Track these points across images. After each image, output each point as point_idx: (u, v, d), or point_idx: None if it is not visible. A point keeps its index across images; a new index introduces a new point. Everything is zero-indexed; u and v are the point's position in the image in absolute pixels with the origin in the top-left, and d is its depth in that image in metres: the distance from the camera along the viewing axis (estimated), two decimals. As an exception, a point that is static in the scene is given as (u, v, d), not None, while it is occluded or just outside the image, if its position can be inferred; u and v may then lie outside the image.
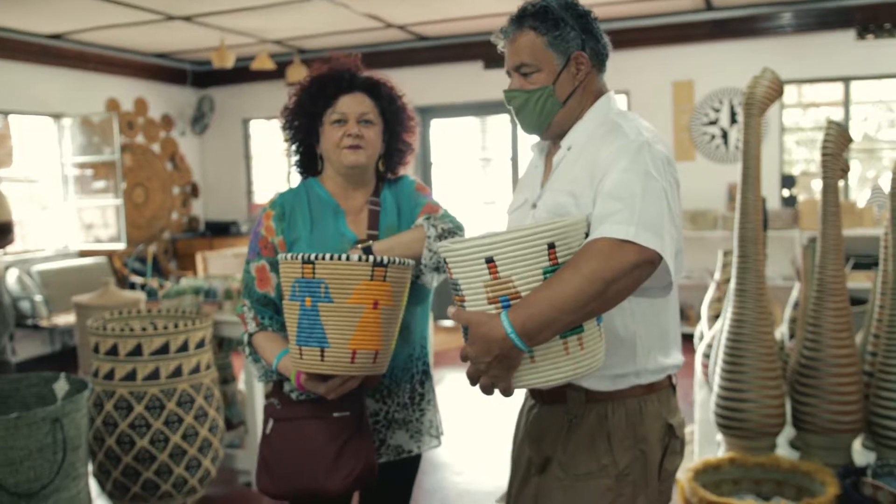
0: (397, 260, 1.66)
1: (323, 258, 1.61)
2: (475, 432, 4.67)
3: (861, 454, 2.67)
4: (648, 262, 1.42)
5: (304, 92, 1.99)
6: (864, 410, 2.53)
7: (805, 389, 2.56)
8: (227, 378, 4.04)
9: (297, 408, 1.91)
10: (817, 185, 7.15)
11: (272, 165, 9.15)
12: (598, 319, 1.48)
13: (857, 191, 7.11)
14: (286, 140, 2.06)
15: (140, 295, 3.97)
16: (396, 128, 2.04)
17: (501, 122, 8.08)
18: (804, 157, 7.17)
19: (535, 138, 1.84)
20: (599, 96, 1.74)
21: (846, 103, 6.79)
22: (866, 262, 5.63)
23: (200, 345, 3.26)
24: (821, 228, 2.52)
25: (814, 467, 2.31)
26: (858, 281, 5.64)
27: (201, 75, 8.94)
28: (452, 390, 5.57)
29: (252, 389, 3.62)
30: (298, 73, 7.58)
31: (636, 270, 1.41)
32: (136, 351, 3.16)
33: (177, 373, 3.18)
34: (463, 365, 1.46)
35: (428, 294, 2.05)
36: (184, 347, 3.19)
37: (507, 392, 1.46)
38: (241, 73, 8.16)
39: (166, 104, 8.72)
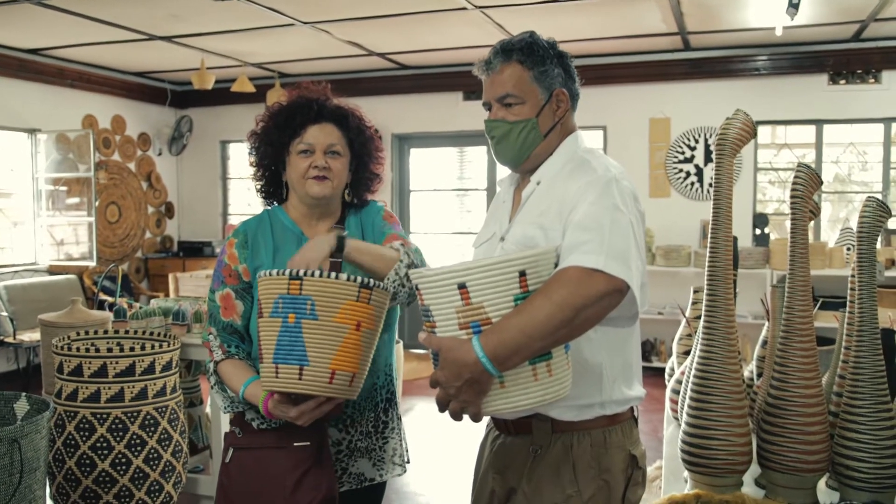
0: (381, 284, 1.68)
1: (311, 275, 1.61)
2: (443, 462, 4.64)
3: (825, 494, 2.69)
4: (617, 291, 1.46)
5: (272, 120, 1.98)
6: (829, 450, 2.55)
7: (771, 428, 2.57)
8: (193, 401, 3.99)
9: (257, 437, 1.88)
10: (790, 224, 7.26)
11: (249, 188, 9.12)
12: (566, 347, 1.50)
13: (828, 231, 7.22)
14: (252, 165, 2.05)
15: (108, 315, 3.91)
16: (364, 158, 2.04)
17: (478, 154, 8.13)
18: (777, 197, 7.29)
19: (505, 173, 1.86)
20: (569, 134, 1.79)
21: (818, 145, 6.92)
22: (835, 303, 5.71)
23: (167, 367, 3.21)
24: (789, 269, 2.55)
25: (778, 506, 2.31)
26: (826, 321, 5.71)
27: (180, 95, 8.92)
28: (422, 419, 5.54)
29: (218, 414, 3.57)
30: (278, 96, 7.58)
31: (605, 298, 1.45)
32: (101, 372, 3.10)
33: (142, 395, 3.12)
34: (433, 394, 1.46)
35: (394, 321, 2.04)
36: (150, 370, 3.14)
37: (476, 418, 1.47)
38: (221, 95, 8.15)
39: (144, 123, 8.68)
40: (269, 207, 2.07)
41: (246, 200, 9.18)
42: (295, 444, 1.82)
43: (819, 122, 6.89)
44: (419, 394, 6.21)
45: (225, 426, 3.60)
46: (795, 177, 2.53)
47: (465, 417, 1.47)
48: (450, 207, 8.37)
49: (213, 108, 8.86)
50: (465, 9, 5.55)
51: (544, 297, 1.40)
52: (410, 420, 5.52)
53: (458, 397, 1.42)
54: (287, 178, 1.99)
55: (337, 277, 1.61)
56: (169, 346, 3.20)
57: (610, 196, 1.57)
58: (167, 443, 3.19)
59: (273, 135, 1.96)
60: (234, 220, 9.11)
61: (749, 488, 2.63)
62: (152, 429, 3.13)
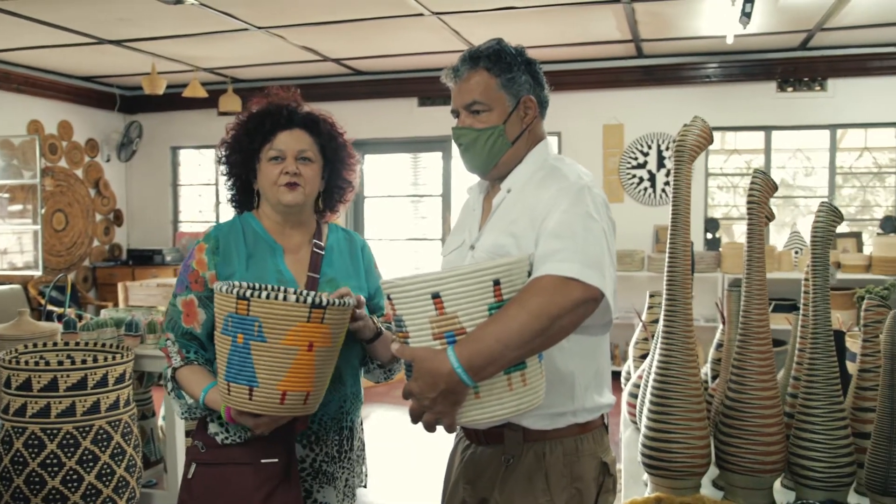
0: (337, 301, 1.62)
1: (259, 296, 1.55)
2: (403, 471, 4.61)
3: (781, 493, 2.74)
4: (592, 300, 1.46)
5: (242, 127, 1.93)
6: (785, 451, 2.59)
7: (729, 430, 2.61)
8: (145, 413, 3.90)
9: (221, 452, 1.82)
10: (738, 228, 7.41)
11: (200, 194, 8.98)
12: (540, 356, 1.50)
13: (775, 235, 7.38)
14: (223, 174, 2.00)
15: (57, 326, 3.80)
16: (336, 165, 1.99)
17: (433, 160, 8.12)
18: (725, 202, 7.42)
19: (473, 180, 1.85)
20: (539, 142, 1.79)
21: (767, 151, 7.08)
22: (784, 305, 5.84)
23: (120, 380, 3.12)
24: (746, 273, 2.58)
25: (738, 508, 2.34)
26: (777, 323, 5.81)
27: (130, 100, 8.75)
28: (380, 427, 5.49)
29: (173, 426, 3.48)
30: (231, 102, 7.50)
31: (580, 307, 1.44)
32: (52, 385, 3.01)
33: (94, 409, 3.03)
34: (392, 401, 1.44)
35: (360, 353, 1.98)
36: (103, 382, 3.05)
37: (451, 428, 1.46)
38: (172, 101, 8.02)
39: (92, 129, 8.49)
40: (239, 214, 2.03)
41: (197, 207, 9.04)
42: (262, 460, 1.76)
43: (768, 129, 7.04)
44: (378, 401, 6.16)
45: (181, 438, 3.53)
46: (752, 183, 2.56)
47: (438, 428, 1.46)
48: (404, 213, 8.34)
49: (163, 114, 8.71)
50: (422, 15, 5.55)
51: (519, 307, 1.39)
52: (368, 428, 5.47)
53: (433, 408, 1.41)
54: (258, 186, 1.94)
55: (286, 298, 1.56)
56: (122, 357, 3.12)
57: (583, 204, 1.57)
58: (120, 458, 3.10)
59: (243, 142, 1.91)
60: (185, 228, 8.98)
61: (706, 490, 2.65)
62: (105, 444, 3.04)
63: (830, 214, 2.56)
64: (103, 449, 3.04)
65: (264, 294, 1.55)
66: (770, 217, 2.61)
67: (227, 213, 8.95)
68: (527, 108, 1.75)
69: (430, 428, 1.45)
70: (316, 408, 1.70)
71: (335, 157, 1.99)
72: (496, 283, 1.40)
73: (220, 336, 1.62)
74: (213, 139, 9.78)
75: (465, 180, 1.92)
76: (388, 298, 1.45)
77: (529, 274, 1.50)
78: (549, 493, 1.64)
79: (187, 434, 1.93)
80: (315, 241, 1.96)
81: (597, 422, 1.74)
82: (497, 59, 1.71)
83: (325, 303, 1.59)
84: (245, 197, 2.00)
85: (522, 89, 1.73)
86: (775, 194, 2.58)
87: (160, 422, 4.10)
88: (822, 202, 2.55)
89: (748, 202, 2.56)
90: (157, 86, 6.73)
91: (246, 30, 5.94)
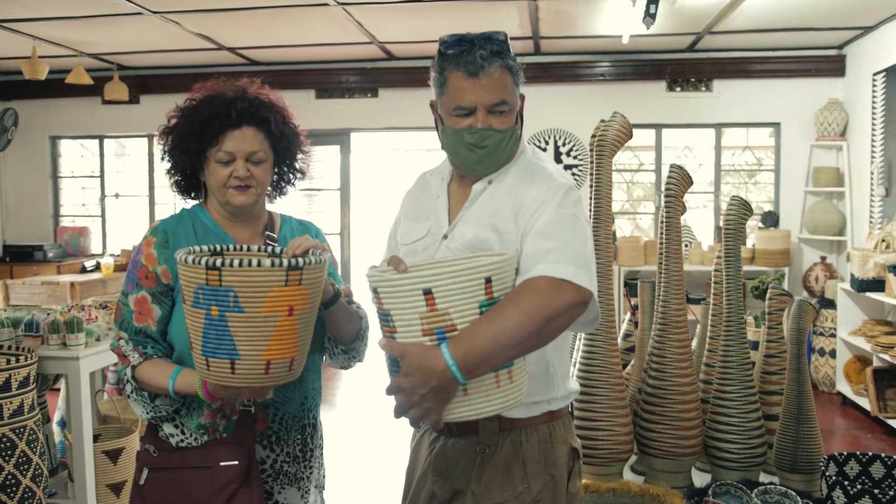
0: (313, 260, 1.53)
1: (231, 264, 1.44)
2: (355, 472, 4.53)
3: (696, 475, 2.86)
4: (582, 302, 1.47)
5: (186, 123, 1.79)
6: (702, 435, 2.71)
7: (651, 416, 2.71)
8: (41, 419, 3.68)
9: (176, 456, 1.72)
10: (623, 223, 7.70)
11: (84, 187, 8.54)
12: None
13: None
14: (165, 165, 1.88)
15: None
16: (287, 158, 1.90)
17: (330, 153, 8.02)
18: (614, 197, 7.70)
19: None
20: None
21: (658, 148, 7.38)
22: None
23: (24, 384, 2.91)
24: (665, 265, 2.68)
25: (662, 490, 2.44)
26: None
27: (3, 85, 8.21)
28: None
29: (80, 432, 3.25)
30: (117, 90, 7.17)
31: (572, 309, 1.45)
32: (-57, 391, 2.79)
33: (-6, 415, 2.83)
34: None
35: (326, 342, 1.93)
36: (5, 387, 2.83)
37: (437, 425, 1.45)
38: (52, 87, 7.55)
39: (-39, 116, 7.93)
40: (186, 206, 1.92)
41: (80, 201, 8.58)
42: (221, 463, 1.67)
43: (658, 127, 7.35)
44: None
45: (89, 445, 3.32)
46: (669, 177, 2.67)
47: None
48: (298, 208, 8.20)
49: (41, 101, 8.21)
50: (327, 5, 5.46)
51: (514, 307, 1.39)
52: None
53: (422, 404, 1.39)
54: (206, 181, 1.84)
55: (259, 263, 1.46)
56: (26, 360, 2.91)
57: (569, 205, 1.58)
58: (26, 467, 2.90)
59: (189, 143, 1.79)
60: (67, 223, 8.52)
61: (625, 475, 2.75)
62: (9, 452, 2.83)
63: (741, 208, 2.69)
64: (7, 458, 2.82)
65: (237, 262, 1.45)
66: (683, 210, 2.72)
67: (114, 206, 8.55)
68: (522, 107, 1.71)
69: (416, 424, 1.44)
70: (300, 373, 1.62)
71: (287, 153, 1.90)
72: (488, 280, 1.40)
73: (190, 309, 1.51)
74: (98, 129, 9.28)
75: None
76: (375, 292, 1.42)
77: (516, 272, 1.50)
78: (527, 480, 1.65)
79: (142, 440, 1.81)
80: (268, 233, 1.89)
81: (565, 409, 1.77)
82: (510, 55, 1.63)
83: (301, 264, 1.50)
84: (191, 185, 1.89)
85: (520, 87, 1.68)
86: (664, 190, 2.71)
87: (54, 426, 3.88)
88: (733, 196, 2.68)
89: (665, 196, 2.66)
90: (39, 71, 6.34)
91: (139, 14, 5.67)
